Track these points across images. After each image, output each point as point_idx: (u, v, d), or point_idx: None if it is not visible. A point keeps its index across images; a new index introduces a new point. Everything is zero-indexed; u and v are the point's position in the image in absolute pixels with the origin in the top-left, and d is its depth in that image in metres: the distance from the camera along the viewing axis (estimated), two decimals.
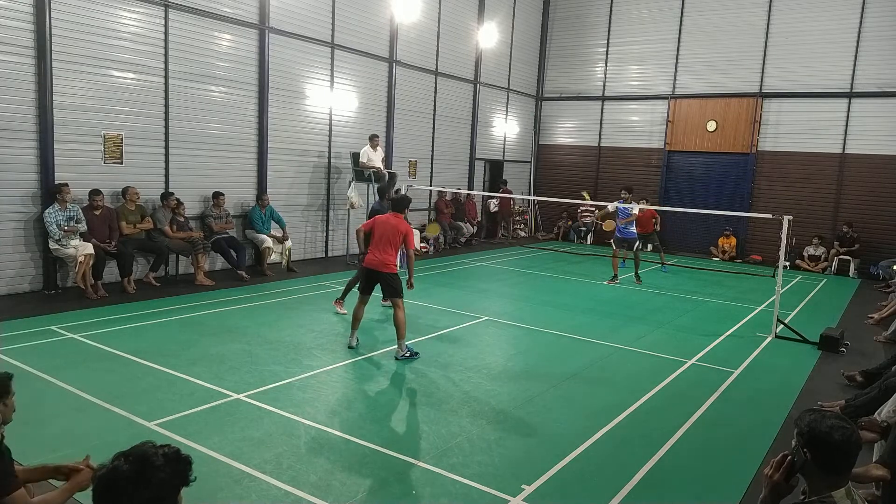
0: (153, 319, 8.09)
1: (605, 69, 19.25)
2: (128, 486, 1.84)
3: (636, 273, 12.77)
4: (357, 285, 7.84)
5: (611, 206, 12.56)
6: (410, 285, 7.16)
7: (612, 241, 12.92)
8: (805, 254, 15.77)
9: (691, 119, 17.85)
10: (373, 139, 12.86)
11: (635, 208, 12.48)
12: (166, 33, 10.22)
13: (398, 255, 7.43)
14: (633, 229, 12.60)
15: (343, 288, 9.20)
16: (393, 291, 7.06)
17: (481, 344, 7.97)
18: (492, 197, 18.38)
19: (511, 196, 18.03)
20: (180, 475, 1.95)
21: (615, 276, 12.63)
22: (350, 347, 7.32)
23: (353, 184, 13.08)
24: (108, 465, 1.90)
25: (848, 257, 15.32)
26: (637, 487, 4.43)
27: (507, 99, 19.20)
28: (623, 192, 12.75)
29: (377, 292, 7.34)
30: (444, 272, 12.88)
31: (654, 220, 14.62)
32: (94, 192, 9.28)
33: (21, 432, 4.54)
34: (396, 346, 7.04)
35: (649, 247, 15.16)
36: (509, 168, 19.68)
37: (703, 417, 5.81)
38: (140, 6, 9.86)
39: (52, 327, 7.44)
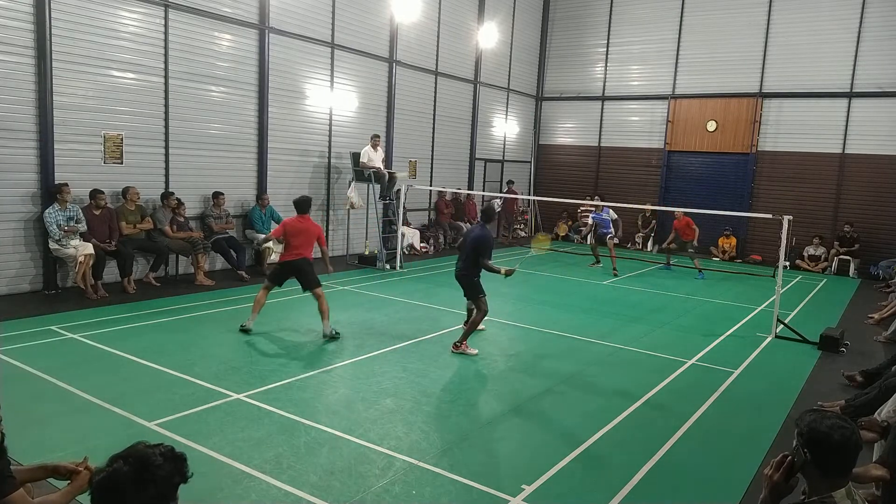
0: (153, 319, 8.09)
1: (605, 69, 19.25)
2: (130, 487, 1.84)
3: (614, 267, 13.65)
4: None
5: (590, 221, 14.21)
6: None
7: (593, 237, 14.29)
8: (805, 254, 15.77)
9: (691, 119, 17.86)
10: (374, 139, 12.86)
11: (612, 213, 14.11)
12: (166, 33, 10.22)
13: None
14: (610, 228, 13.99)
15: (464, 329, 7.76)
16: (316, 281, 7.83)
17: (481, 344, 7.95)
18: (495, 197, 18.36)
19: (516, 196, 18.03)
20: (179, 472, 1.97)
21: (598, 261, 14.10)
22: (244, 329, 7.64)
23: (353, 184, 13.07)
24: (105, 468, 1.90)
25: (848, 257, 15.31)
26: (637, 487, 4.43)
27: (507, 99, 19.20)
28: (596, 197, 14.71)
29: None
30: (445, 272, 12.87)
31: (692, 228, 14.34)
32: (97, 192, 9.28)
33: (21, 432, 4.54)
34: (325, 326, 7.73)
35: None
36: (509, 168, 19.67)
37: (703, 417, 5.80)
38: (140, 6, 9.86)
39: (52, 327, 7.44)
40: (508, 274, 7.43)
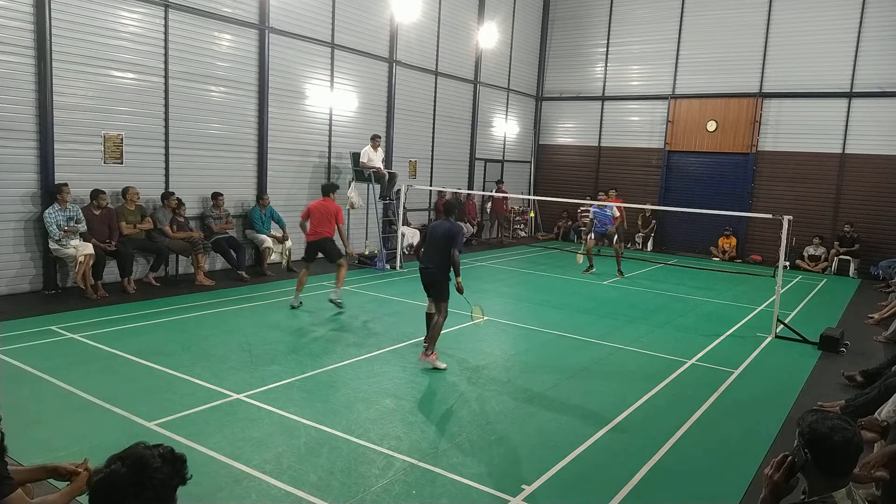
0: (153, 319, 8.09)
1: (605, 69, 19.25)
2: (128, 489, 1.84)
3: (619, 269, 13.24)
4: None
5: (591, 215, 13.49)
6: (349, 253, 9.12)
7: (588, 236, 13.62)
8: (805, 254, 15.77)
9: (691, 119, 17.86)
10: (374, 139, 12.86)
11: (615, 210, 13.43)
12: (166, 33, 10.22)
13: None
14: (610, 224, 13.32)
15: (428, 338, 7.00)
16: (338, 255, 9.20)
17: (481, 344, 7.96)
18: (490, 197, 18.32)
19: (505, 195, 17.94)
20: (178, 474, 1.96)
21: (591, 266, 13.45)
22: (294, 307, 8.87)
23: (353, 184, 13.07)
24: (103, 469, 1.89)
25: (848, 257, 15.32)
26: (637, 487, 4.43)
27: (507, 99, 19.20)
28: (601, 194, 14.11)
29: None
30: None
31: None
32: (98, 193, 9.27)
33: (21, 432, 4.54)
34: (334, 292, 9.02)
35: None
36: (509, 168, 19.68)
37: (703, 417, 5.80)
38: (140, 6, 9.86)
39: (52, 327, 7.44)
40: (460, 289, 6.86)
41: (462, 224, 7.67)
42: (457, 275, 6.84)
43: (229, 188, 11.38)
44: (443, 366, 6.78)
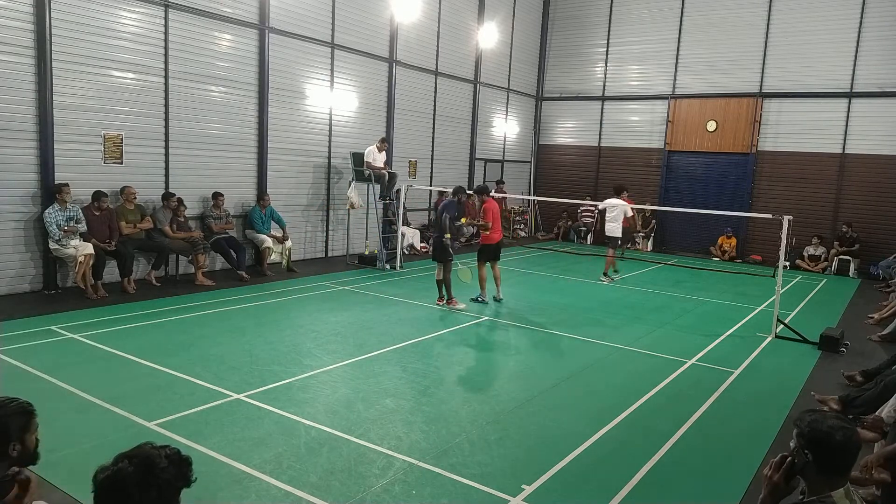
0: (153, 319, 8.09)
1: (605, 69, 19.25)
2: (133, 488, 1.85)
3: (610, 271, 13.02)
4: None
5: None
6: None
7: (616, 241, 13.00)
8: (805, 254, 15.76)
9: (691, 119, 17.85)
10: (382, 142, 12.89)
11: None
12: (166, 33, 10.22)
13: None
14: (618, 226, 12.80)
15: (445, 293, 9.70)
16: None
17: (482, 344, 7.96)
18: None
19: (505, 195, 17.89)
20: (183, 476, 1.97)
21: (615, 272, 13.07)
22: (480, 300, 9.86)
23: (353, 184, 13.07)
24: (110, 466, 1.90)
25: (848, 257, 15.31)
26: (637, 487, 4.43)
27: (507, 99, 19.20)
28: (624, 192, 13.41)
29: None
30: None
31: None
32: (101, 195, 9.26)
33: None
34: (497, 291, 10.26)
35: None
36: (509, 168, 19.67)
37: (703, 417, 5.80)
38: (140, 6, 9.86)
39: (52, 327, 7.44)
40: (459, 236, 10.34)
41: (455, 202, 10.16)
42: (444, 232, 9.51)
43: (229, 188, 11.38)
44: (463, 306, 9.44)
